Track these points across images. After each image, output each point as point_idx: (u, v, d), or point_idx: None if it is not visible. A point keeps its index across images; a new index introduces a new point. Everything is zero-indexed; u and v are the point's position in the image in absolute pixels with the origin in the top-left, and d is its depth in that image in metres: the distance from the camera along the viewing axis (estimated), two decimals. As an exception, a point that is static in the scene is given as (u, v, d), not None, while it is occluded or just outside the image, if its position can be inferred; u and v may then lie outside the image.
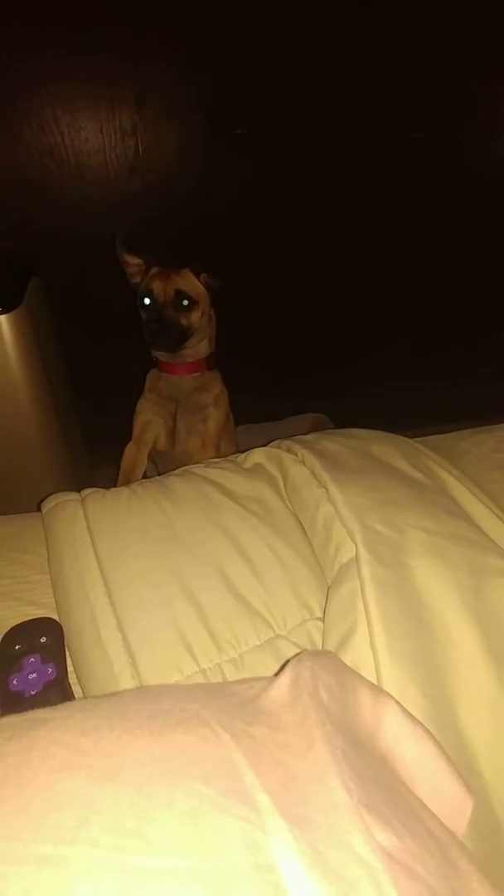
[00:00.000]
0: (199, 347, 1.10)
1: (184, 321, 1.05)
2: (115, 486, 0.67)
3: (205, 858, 0.22)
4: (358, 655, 0.47)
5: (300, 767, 0.28)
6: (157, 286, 1.04)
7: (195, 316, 1.06)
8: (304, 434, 0.70)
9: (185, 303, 1.03)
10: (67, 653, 0.53)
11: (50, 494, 0.64)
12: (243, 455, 0.68)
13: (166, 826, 0.23)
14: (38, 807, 0.22)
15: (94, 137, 1.23)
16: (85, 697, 0.51)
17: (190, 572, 0.55)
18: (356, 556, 0.50)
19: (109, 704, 0.33)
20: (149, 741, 0.27)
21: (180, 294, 1.03)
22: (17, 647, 0.51)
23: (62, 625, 0.54)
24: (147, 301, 1.05)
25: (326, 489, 0.56)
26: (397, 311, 1.62)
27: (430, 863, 0.27)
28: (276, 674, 0.39)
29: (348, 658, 0.48)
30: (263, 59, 1.22)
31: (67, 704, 0.32)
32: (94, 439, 1.44)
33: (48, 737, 0.27)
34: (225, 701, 0.35)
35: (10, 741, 0.26)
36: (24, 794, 0.23)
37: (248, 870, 0.22)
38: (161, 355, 1.11)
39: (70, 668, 0.53)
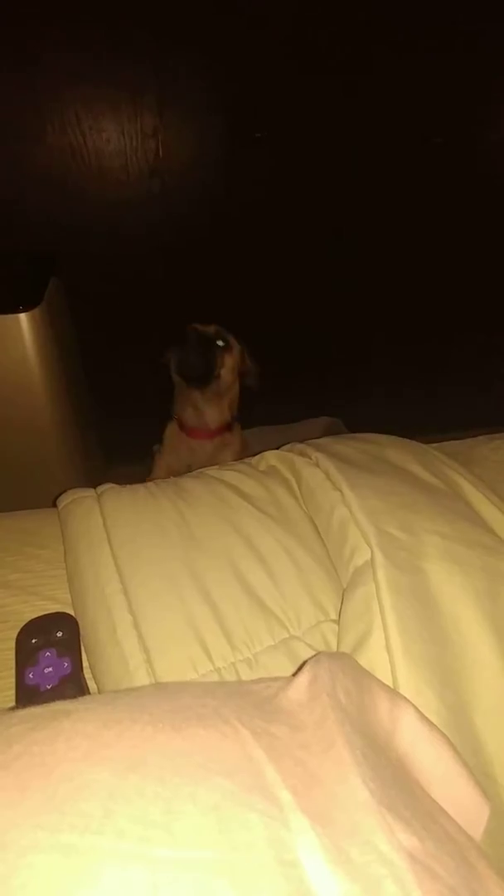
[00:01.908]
0: (223, 411, 1.13)
1: (217, 357, 1.09)
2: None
3: (229, 851, 0.22)
4: (373, 658, 0.47)
5: (321, 767, 0.28)
6: (200, 325, 1.08)
7: (227, 360, 1.10)
8: (318, 438, 0.70)
9: (221, 343, 1.07)
10: (82, 648, 0.53)
11: (66, 491, 0.65)
12: (257, 457, 0.68)
13: (190, 819, 0.23)
14: (63, 796, 0.22)
15: (115, 139, 1.24)
16: (100, 693, 0.51)
17: (205, 571, 0.55)
18: (371, 559, 0.50)
19: (130, 699, 0.33)
20: (171, 735, 0.27)
21: (219, 332, 1.08)
22: (33, 641, 0.52)
23: (78, 620, 0.54)
24: (189, 332, 1.10)
25: (341, 492, 0.56)
26: (412, 315, 1.62)
27: (450, 864, 0.27)
28: (294, 674, 0.39)
29: (363, 661, 0.48)
30: (283, 63, 1.23)
31: (88, 697, 0.32)
32: (110, 438, 1.45)
33: (72, 728, 0.27)
34: (243, 699, 0.35)
35: (35, 731, 0.26)
36: (48, 783, 0.23)
37: (272, 864, 0.22)
38: (188, 417, 1.13)
39: (85, 664, 0.53)
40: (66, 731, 0.26)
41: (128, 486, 0.66)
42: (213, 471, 0.65)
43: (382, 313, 1.59)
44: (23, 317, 1.00)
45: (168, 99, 1.22)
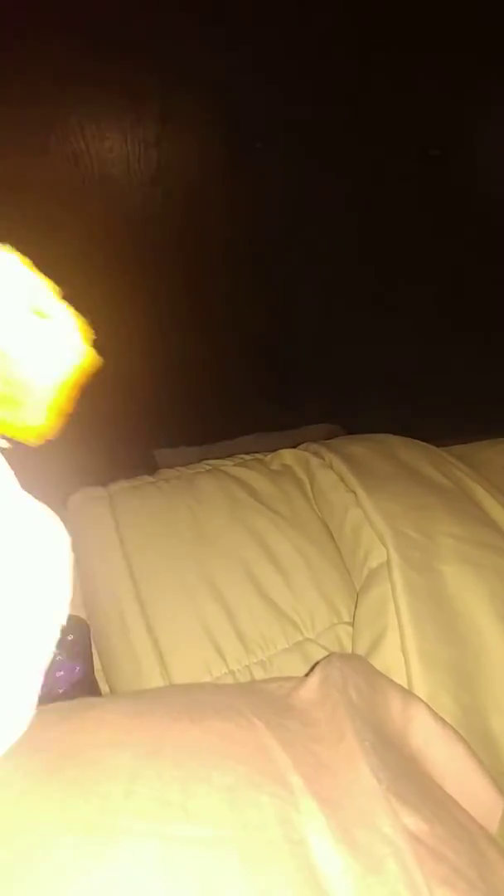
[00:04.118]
0: None
1: None
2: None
3: (240, 829, 0.23)
4: (389, 659, 0.47)
5: (332, 757, 0.30)
6: None
7: None
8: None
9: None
10: (95, 651, 0.53)
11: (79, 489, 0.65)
12: (271, 455, 0.68)
13: (205, 799, 0.24)
14: (88, 778, 0.24)
15: (118, 147, 1.25)
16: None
17: (218, 573, 0.55)
18: (387, 560, 0.50)
19: (150, 695, 0.35)
20: (188, 725, 0.28)
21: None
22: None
23: (90, 623, 0.54)
24: None
25: (355, 493, 0.56)
26: (412, 321, 1.63)
27: (459, 848, 0.28)
28: (306, 675, 0.40)
29: (379, 662, 0.48)
30: (285, 74, 1.24)
31: (111, 695, 0.33)
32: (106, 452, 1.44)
33: (98, 718, 0.28)
34: (257, 696, 0.36)
35: (64, 721, 0.28)
36: (75, 765, 0.25)
37: (280, 842, 0.23)
38: None
39: (98, 667, 0.53)
40: (93, 721, 0.28)
41: (138, 482, 0.66)
42: (226, 467, 0.65)
43: (382, 320, 1.60)
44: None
45: (171, 108, 1.23)
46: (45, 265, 0.26)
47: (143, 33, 1.14)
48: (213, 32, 1.17)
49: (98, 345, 0.26)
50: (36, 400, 0.19)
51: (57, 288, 0.20)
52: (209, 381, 1.36)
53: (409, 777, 0.33)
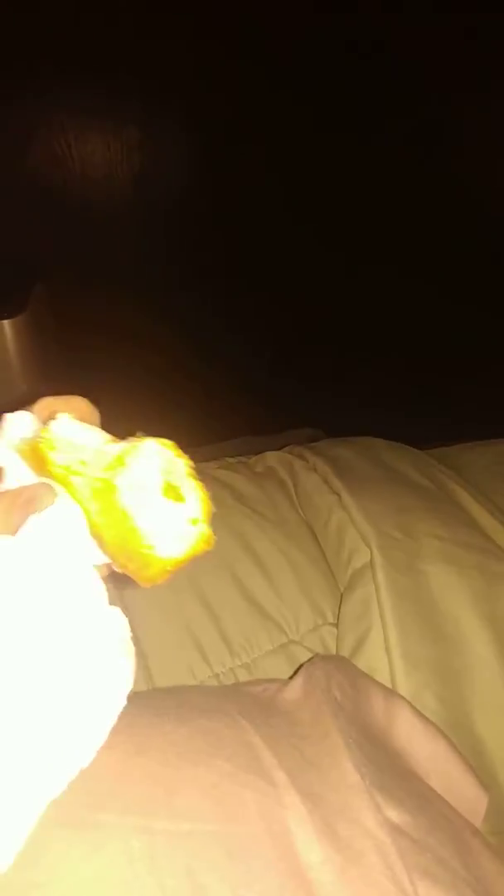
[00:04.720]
0: None
1: None
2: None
3: (224, 823, 0.24)
4: (372, 660, 0.47)
5: (316, 754, 0.30)
6: None
7: None
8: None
9: None
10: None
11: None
12: (255, 458, 0.68)
13: (190, 796, 0.25)
14: (77, 778, 0.24)
15: (100, 150, 1.25)
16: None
17: (201, 575, 0.54)
18: (371, 560, 0.51)
19: (137, 698, 0.34)
20: (175, 725, 0.29)
21: None
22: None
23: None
24: None
25: (339, 495, 0.56)
26: (397, 328, 1.65)
27: (443, 838, 0.28)
28: (290, 677, 0.40)
29: (363, 663, 0.48)
30: (268, 78, 1.25)
31: None
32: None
33: None
34: (243, 698, 0.37)
35: None
36: None
37: (263, 835, 0.24)
38: None
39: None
40: None
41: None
42: (209, 468, 0.64)
43: (367, 326, 1.61)
44: (6, 324, 0.99)
45: (154, 112, 1.23)
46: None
47: (125, 36, 1.14)
48: (196, 36, 1.17)
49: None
50: (154, 569, 0.22)
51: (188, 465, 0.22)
52: (193, 385, 1.35)
53: (393, 772, 0.34)
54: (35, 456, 0.23)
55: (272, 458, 0.66)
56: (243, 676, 0.50)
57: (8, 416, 0.24)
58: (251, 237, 1.40)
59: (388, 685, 0.46)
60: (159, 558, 0.22)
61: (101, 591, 0.23)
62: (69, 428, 0.23)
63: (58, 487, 0.23)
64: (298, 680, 0.38)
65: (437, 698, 0.46)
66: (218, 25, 1.19)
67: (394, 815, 0.28)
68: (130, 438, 0.23)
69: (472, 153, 1.49)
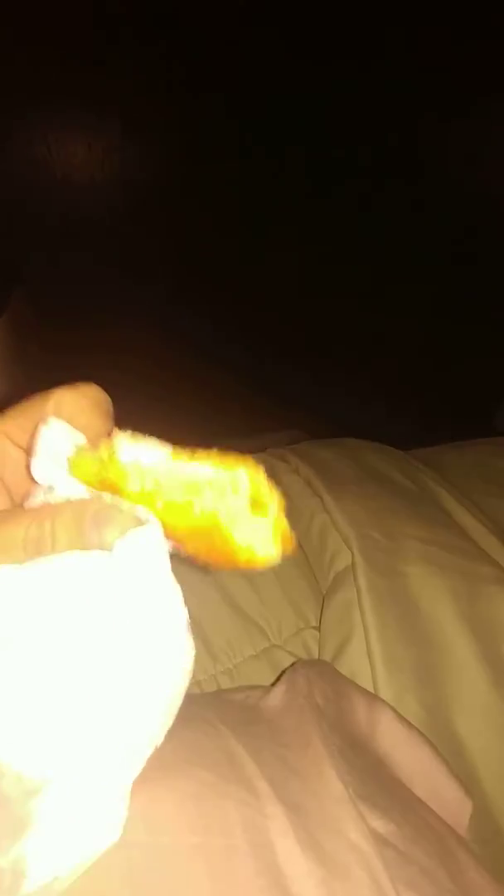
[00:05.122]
0: None
1: None
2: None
3: (205, 835, 0.23)
4: (354, 664, 0.47)
5: (299, 762, 0.30)
6: None
7: None
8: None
9: None
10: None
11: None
12: None
13: (169, 807, 0.24)
14: None
15: (81, 152, 1.24)
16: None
17: (183, 579, 0.54)
18: (352, 563, 0.50)
19: None
20: None
21: None
22: None
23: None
24: None
25: (321, 498, 0.56)
26: (379, 330, 1.66)
27: (429, 849, 0.28)
28: (272, 684, 0.40)
29: (345, 666, 0.48)
30: (248, 78, 1.25)
31: None
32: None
33: None
34: (225, 706, 0.36)
35: None
36: None
37: (244, 847, 0.23)
38: None
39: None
40: None
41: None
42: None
43: (349, 328, 1.62)
44: (-14, 326, 0.98)
45: (134, 113, 1.23)
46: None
47: (104, 40, 1.13)
48: (176, 34, 1.17)
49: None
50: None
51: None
52: (176, 387, 1.35)
53: (377, 780, 0.33)
54: (106, 485, 0.23)
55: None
56: (225, 682, 0.50)
57: (44, 429, 0.24)
58: (232, 235, 1.39)
59: (371, 689, 0.46)
60: (258, 559, 0.23)
61: (184, 618, 0.25)
62: (133, 452, 0.23)
63: (125, 503, 0.23)
64: (281, 687, 0.37)
65: (418, 701, 0.45)
66: (203, 28, 1.18)
67: (378, 825, 0.27)
68: (199, 452, 0.23)
69: (455, 161, 1.50)
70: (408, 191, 1.48)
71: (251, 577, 0.55)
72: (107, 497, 0.23)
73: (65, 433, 0.24)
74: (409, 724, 0.40)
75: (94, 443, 0.24)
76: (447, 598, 0.49)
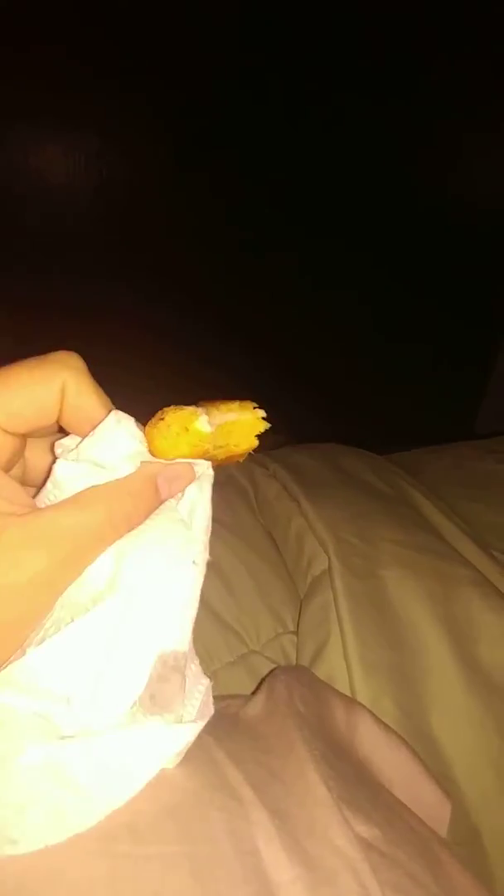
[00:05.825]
0: None
1: None
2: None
3: (189, 844, 0.23)
4: (332, 667, 0.47)
5: (282, 768, 0.30)
6: None
7: None
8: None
9: None
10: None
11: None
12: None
13: (153, 817, 0.24)
14: None
15: (59, 159, 1.23)
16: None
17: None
18: (329, 567, 0.51)
19: None
20: None
21: None
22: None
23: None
24: None
25: (298, 502, 0.56)
26: (358, 332, 1.67)
27: (412, 852, 0.28)
28: (253, 692, 0.40)
29: (322, 670, 0.48)
30: (228, 85, 1.26)
31: None
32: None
33: None
34: None
35: None
36: None
37: (230, 854, 0.23)
38: None
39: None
40: None
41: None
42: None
43: (329, 330, 1.63)
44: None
45: (114, 120, 1.23)
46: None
47: (83, 43, 1.14)
48: (156, 42, 1.17)
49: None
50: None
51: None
52: (155, 392, 1.34)
53: (359, 785, 0.33)
54: (179, 452, 0.27)
55: (230, 466, 0.66)
56: (203, 689, 0.49)
57: (112, 425, 0.28)
58: (214, 242, 1.40)
59: (348, 692, 0.46)
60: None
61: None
62: (202, 422, 0.28)
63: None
64: (261, 696, 0.37)
65: (395, 704, 0.46)
66: (184, 38, 1.19)
67: (363, 829, 0.27)
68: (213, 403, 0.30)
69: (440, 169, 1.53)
70: (399, 199, 1.50)
71: (229, 582, 0.55)
72: (161, 460, 0.27)
73: (130, 425, 0.29)
74: (387, 727, 0.40)
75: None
76: (423, 600, 0.49)
